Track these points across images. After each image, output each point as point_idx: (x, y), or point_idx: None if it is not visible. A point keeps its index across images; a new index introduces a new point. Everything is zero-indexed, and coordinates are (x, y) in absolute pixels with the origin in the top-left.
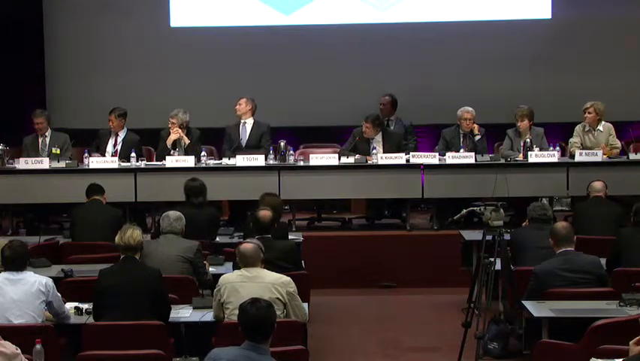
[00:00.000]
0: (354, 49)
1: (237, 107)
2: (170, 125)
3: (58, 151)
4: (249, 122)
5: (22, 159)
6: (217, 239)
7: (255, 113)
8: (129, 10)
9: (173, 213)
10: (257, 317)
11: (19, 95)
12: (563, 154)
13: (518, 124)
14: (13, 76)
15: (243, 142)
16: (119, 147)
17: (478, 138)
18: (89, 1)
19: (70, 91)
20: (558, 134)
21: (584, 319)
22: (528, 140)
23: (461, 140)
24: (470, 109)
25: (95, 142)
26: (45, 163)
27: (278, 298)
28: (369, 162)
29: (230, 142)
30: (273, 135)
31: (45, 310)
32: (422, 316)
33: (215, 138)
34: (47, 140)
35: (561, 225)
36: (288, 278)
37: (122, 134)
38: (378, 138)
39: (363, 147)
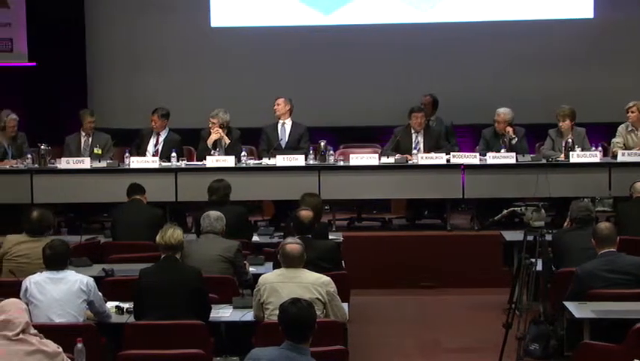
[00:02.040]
0: (394, 49)
1: (276, 107)
2: (210, 125)
3: (100, 151)
4: (288, 123)
5: (63, 159)
6: (255, 238)
7: (292, 114)
8: (170, 10)
9: (213, 213)
10: (297, 317)
11: (61, 95)
12: (605, 154)
13: (560, 124)
14: (55, 76)
15: (283, 143)
16: (160, 147)
17: (514, 141)
18: (131, 2)
19: (111, 91)
20: (600, 134)
21: (627, 320)
22: (570, 140)
23: (500, 140)
24: (502, 111)
25: (136, 141)
26: (86, 163)
27: (318, 299)
28: (409, 161)
29: (268, 142)
30: (313, 135)
31: (86, 310)
32: (462, 316)
33: (255, 138)
34: (90, 140)
35: (604, 225)
36: (328, 278)
37: (163, 134)
38: (421, 132)
39: (405, 145)
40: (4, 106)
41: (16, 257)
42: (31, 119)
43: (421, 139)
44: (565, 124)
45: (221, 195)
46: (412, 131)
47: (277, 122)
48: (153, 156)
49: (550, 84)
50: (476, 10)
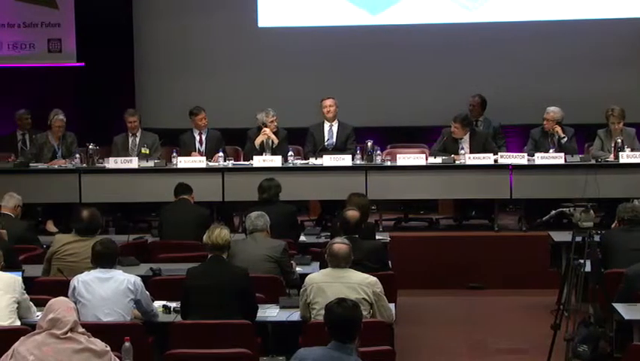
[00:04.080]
0: (442, 49)
1: (328, 109)
2: (268, 125)
3: (147, 151)
4: (335, 124)
5: (111, 159)
6: (302, 238)
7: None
8: (217, 10)
9: (253, 213)
10: (343, 317)
11: (109, 95)
12: None
13: (614, 126)
14: (103, 76)
15: (330, 144)
16: (204, 146)
17: (564, 140)
18: (178, 2)
19: (158, 91)
20: None
21: None
22: (619, 140)
23: (549, 140)
24: (552, 110)
25: (177, 150)
26: (134, 163)
27: (364, 299)
28: (456, 161)
29: (314, 143)
30: (360, 135)
31: (133, 309)
32: (510, 317)
33: (301, 138)
34: (137, 139)
35: None
36: (375, 278)
37: (204, 133)
38: (466, 137)
39: (452, 147)
40: (53, 106)
41: (65, 256)
42: (80, 118)
43: (465, 145)
44: (618, 126)
45: (272, 194)
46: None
47: (323, 123)
48: (200, 155)
49: (599, 84)
50: (524, 9)
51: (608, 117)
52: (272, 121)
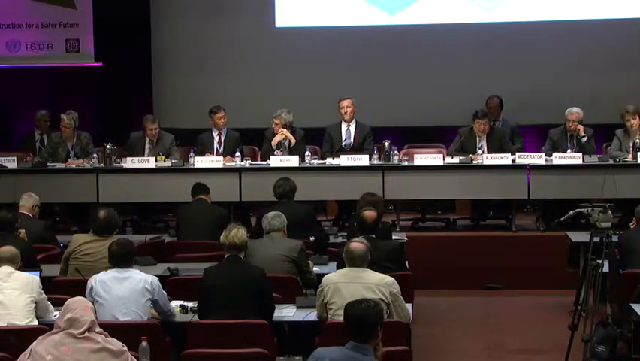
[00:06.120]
0: (460, 49)
1: (346, 110)
2: (273, 126)
3: (163, 158)
4: (352, 124)
5: (129, 159)
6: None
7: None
8: (235, 10)
9: (270, 213)
10: (358, 316)
11: (127, 95)
12: None
13: (626, 122)
14: (121, 76)
15: (348, 144)
16: (222, 147)
17: (584, 139)
18: (195, 3)
19: (176, 91)
20: None
21: None
22: (637, 140)
23: (568, 140)
24: (576, 110)
25: (196, 148)
26: (151, 163)
27: (381, 299)
28: (474, 161)
29: (332, 143)
30: (378, 135)
31: (151, 308)
32: (528, 318)
33: (318, 138)
34: (154, 145)
35: None
36: (392, 279)
37: (223, 133)
38: (484, 136)
39: (469, 147)
40: (71, 106)
41: (83, 256)
42: (97, 118)
43: (484, 143)
44: (634, 121)
45: (287, 192)
46: (476, 134)
47: (340, 123)
48: (218, 155)
49: (617, 84)
50: (542, 9)
51: (623, 115)
52: (276, 123)
